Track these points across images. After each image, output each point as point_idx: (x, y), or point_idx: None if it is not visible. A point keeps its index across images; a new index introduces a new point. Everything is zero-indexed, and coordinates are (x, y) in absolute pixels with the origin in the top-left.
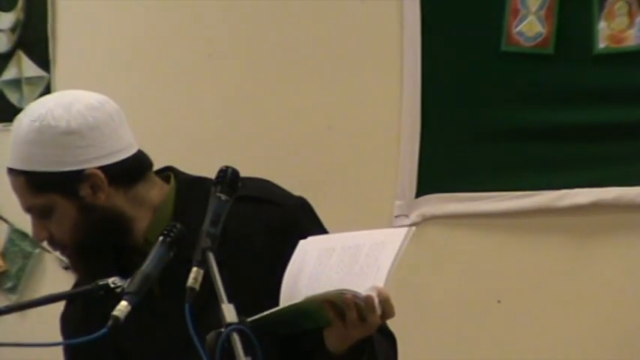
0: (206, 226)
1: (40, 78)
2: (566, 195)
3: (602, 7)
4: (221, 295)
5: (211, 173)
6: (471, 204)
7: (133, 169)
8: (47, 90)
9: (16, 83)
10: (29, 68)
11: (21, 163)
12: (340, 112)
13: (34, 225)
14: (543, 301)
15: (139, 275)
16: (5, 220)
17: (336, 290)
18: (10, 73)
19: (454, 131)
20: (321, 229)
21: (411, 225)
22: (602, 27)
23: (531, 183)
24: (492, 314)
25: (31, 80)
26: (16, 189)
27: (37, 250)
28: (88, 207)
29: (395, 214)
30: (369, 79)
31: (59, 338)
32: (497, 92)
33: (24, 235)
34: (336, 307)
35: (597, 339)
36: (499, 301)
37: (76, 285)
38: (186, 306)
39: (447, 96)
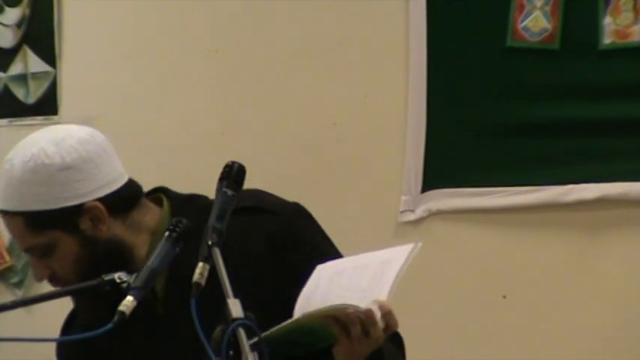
0: (212, 221)
1: (46, 73)
2: (572, 190)
3: (607, 2)
4: (227, 290)
5: (217, 169)
6: (477, 199)
7: (128, 197)
8: (53, 85)
9: (22, 78)
10: (35, 63)
11: (17, 204)
12: (346, 108)
13: (34, 266)
14: (549, 297)
15: (144, 270)
16: None
17: (338, 305)
18: (16, 68)
19: (459, 127)
20: (319, 233)
21: (417, 243)
22: (608, 22)
23: (537, 178)
24: (498, 309)
25: (36, 75)
26: (14, 231)
27: None
28: (89, 240)
29: (401, 209)
30: (375, 75)
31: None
32: (502, 88)
33: None
34: (340, 322)
35: (603, 334)
36: (504, 296)
37: (72, 314)
38: (192, 301)
39: (452, 92)
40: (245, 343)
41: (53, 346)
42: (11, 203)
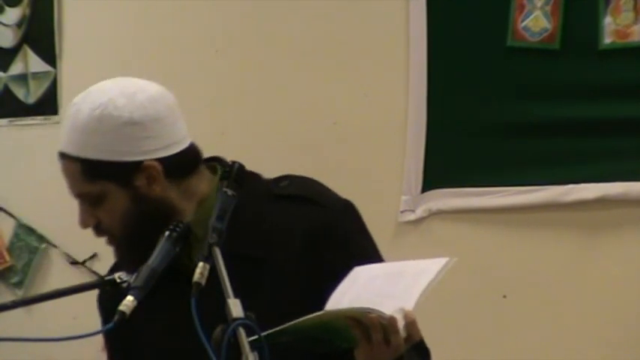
0: (212, 221)
1: (46, 73)
2: (572, 190)
3: (607, 2)
4: (227, 290)
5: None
6: (477, 199)
7: (187, 162)
8: (53, 85)
9: (23, 78)
10: (35, 63)
11: (78, 149)
12: (346, 107)
13: (82, 211)
14: (549, 296)
15: (145, 270)
16: (11, 215)
17: (362, 308)
18: (16, 68)
19: (460, 126)
20: (365, 236)
21: (452, 258)
22: (608, 22)
23: (537, 178)
24: (498, 309)
25: (37, 75)
26: (69, 174)
27: (43, 245)
28: (141, 198)
29: (401, 209)
30: (375, 75)
31: (65, 333)
32: (502, 88)
33: (30, 230)
34: (362, 326)
35: (603, 334)
36: (504, 296)
37: (112, 269)
38: (192, 301)
39: (452, 91)
40: (245, 342)
41: (53, 346)
42: (72, 148)
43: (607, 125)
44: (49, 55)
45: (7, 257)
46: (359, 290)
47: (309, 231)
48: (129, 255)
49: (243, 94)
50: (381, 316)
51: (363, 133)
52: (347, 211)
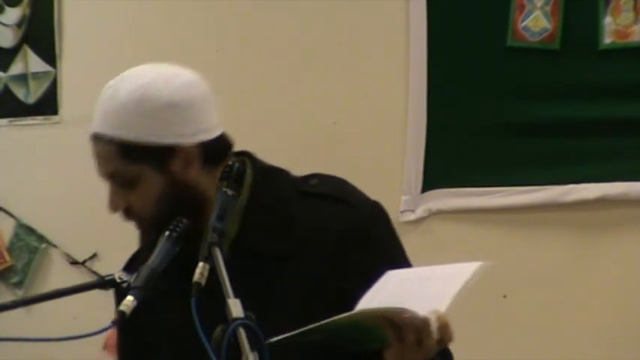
0: (212, 221)
1: (46, 73)
2: (572, 190)
3: (607, 2)
4: (227, 290)
5: None
6: (477, 199)
7: (220, 150)
8: (53, 85)
9: (23, 78)
10: (35, 63)
11: (115, 131)
12: (346, 107)
13: (112, 194)
14: (549, 296)
15: (145, 270)
16: (11, 215)
17: (396, 307)
18: (16, 68)
19: (460, 126)
20: (394, 239)
21: (481, 264)
22: (608, 22)
23: (537, 178)
24: (498, 309)
25: (37, 75)
26: (102, 155)
27: (43, 245)
28: (175, 182)
29: (401, 209)
30: (375, 75)
31: (65, 333)
32: (502, 88)
33: (30, 230)
34: (395, 327)
35: (603, 334)
36: (505, 296)
37: (136, 254)
38: (192, 301)
39: (452, 91)
40: (245, 342)
41: (53, 346)
42: (109, 129)
43: (607, 125)
44: (49, 55)
45: (7, 257)
46: (390, 292)
47: (338, 231)
48: (156, 238)
49: (243, 94)
50: (414, 316)
51: (363, 133)
52: (376, 213)
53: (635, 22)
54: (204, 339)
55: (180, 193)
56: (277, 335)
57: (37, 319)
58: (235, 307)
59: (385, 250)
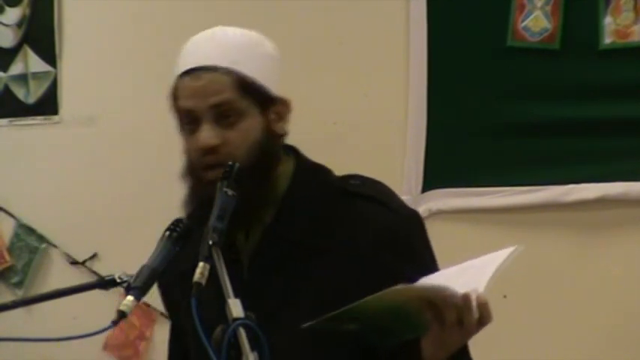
0: (212, 221)
1: (46, 73)
2: (572, 190)
3: (607, 2)
4: (227, 290)
5: None
6: (477, 199)
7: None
8: (53, 85)
9: (23, 78)
10: (35, 63)
11: (232, 64)
12: (346, 107)
13: (207, 129)
14: (549, 297)
15: (145, 270)
16: (11, 215)
17: (435, 285)
18: (16, 68)
19: (460, 126)
20: (427, 248)
21: (515, 248)
22: (608, 22)
23: (537, 178)
24: (498, 309)
25: (37, 75)
26: (212, 86)
27: (43, 245)
28: (270, 131)
29: None
30: (375, 75)
31: (65, 333)
32: (502, 87)
33: (30, 230)
34: (435, 308)
35: (603, 334)
36: (505, 296)
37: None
38: (193, 301)
39: (452, 91)
40: (245, 342)
41: (53, 346)
42: (226, 62)
43: (607, 125)
44: (49, 55)
45: (7, 257)
46: (428, 279)
47: (375, 232)
48: (239, 188)
49: None
50: (454, 294)
51: (363, 133)
52: (415, 221)
53: (635, 22)
54: (204, 339)
55: (270, 146)
56: (305, 333)
57: (37, 319)
58: (235, 307)
59: (418, 258)
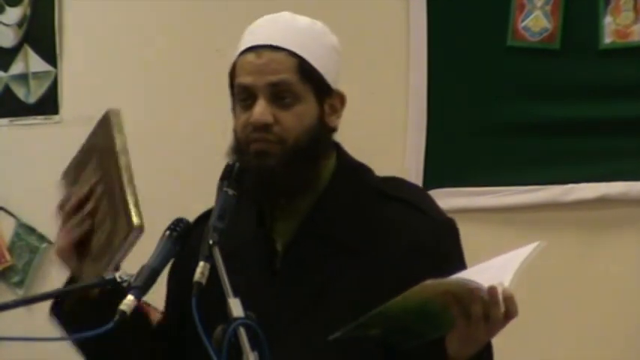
0: (213, 220)
1: (47, 73)
2: (572, 190)
3: (607, 2)
4: (227, 290)
5: (218, 168)
6: (477, 198)
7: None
8: (54, 85)
9: (23, 78)
10: (36, 63)
11: (299, 48)
12: (346, 108)
13: (261, 106)
14: (549, 296)
15: (145, 270)
16: (12, 215)
17: (463, 279)
18: (17, 67)
19: (460, 126)
20: (460, 258)
21: (539, 243)
22: (608, 22)
23: (537, 178)
24: None
25: (37, 75)
26: (274, 64)
27: (44, 245)
28: (323, 122)
29: None
30: (375, 74)
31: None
32: (502, 87)
33: (30, 229)
34: (461, 303)
35: (603, 334)
36: None
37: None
38: (193, 300)
39: (453, 91)
40: (246, 342)
41: (53, 345)
42: (291, 45)
43: (607, 125)
44: (50, 55)
45: (8, 257)
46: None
47: (412, 238)
48: (279, 168)
49: None
50: (479, 287)
51: (362, 132)
52: (452, 230)
53: (635, 21)
54: (204, 338)
55: (321, 136)
56: (330, 325)
57: (37, 319)
58: (236, 307)
59: (451, 268)
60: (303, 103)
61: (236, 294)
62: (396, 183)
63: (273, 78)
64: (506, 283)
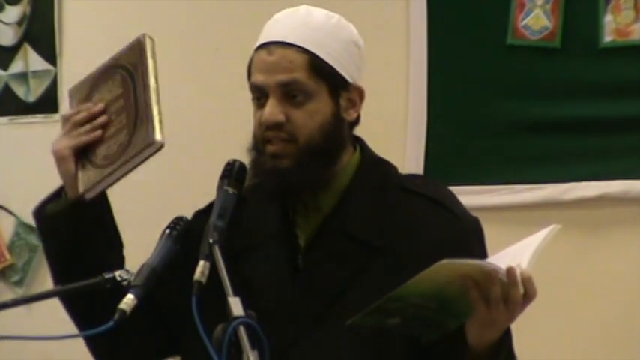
0: (213, 219)
1: (47, 71)
2: (572, 188)
3: (608, 0)
4: (227, 289)
5: (218, 167)
6: (478, 197)
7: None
8: (54, 83)
9: (23, 76)
10: (36, 61)
11: (310, 44)
12: None
13: (272, 105)
14: (549, 295)
15: (145, 268)
16: (12, 214)
17: (477, 261)
18: (16, 66)
19: (460, 125)
20: (484, 257)
21: (553, 227)
22: (608, 21)
23: (538, 176)
24: None
25: (37, 74)
26: (285, 63)
27: None
28: (338, 117)
29: None
30: (376, 73)
31: (65, 332)
32: (503, 86)
33: (30, 228)
34: (480, 287)
35: (603, 332)
36: None
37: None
38: (193, 299)
39: (453, 89)
40: (246, 341)
41: (53, 344)
42: (303, 41)
43: (607, 124)
44: (50, 54)
45: (8, 255)
46: None
47: (438, 237)
48: (294, 168)
49: (244, 92)
50: (497, 269)
51: (362, 131)
52: (477, 229)
53: (635, 20)
54: (205, 337)
55: (336, 132)
56: (355, 329)
57: (37, 318)
58: (236, 306)
59: None
60: (316, 100)
61: (258, 289)
62: (420, 179)
63: (284, 77)
64: (524, 265)
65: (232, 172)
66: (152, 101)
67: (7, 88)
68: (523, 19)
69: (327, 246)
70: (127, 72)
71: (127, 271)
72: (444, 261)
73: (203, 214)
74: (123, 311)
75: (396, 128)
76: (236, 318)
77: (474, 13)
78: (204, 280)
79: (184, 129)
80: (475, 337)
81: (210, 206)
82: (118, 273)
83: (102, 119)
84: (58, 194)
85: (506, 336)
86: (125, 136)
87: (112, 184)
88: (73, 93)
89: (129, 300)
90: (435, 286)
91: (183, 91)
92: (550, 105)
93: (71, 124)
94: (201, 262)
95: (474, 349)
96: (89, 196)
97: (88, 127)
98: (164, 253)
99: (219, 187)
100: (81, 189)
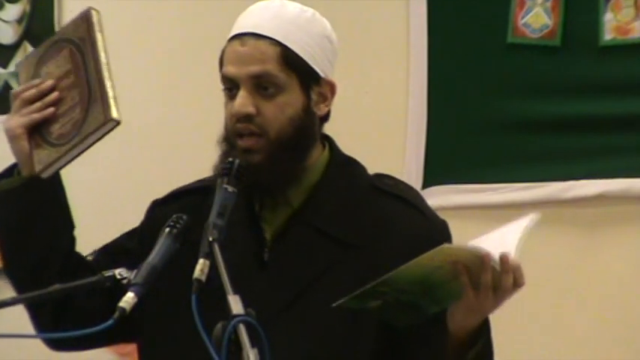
0: (212, 217)
1: None
2: (572, 186)
3: None
4: (227, 287)
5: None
6: (478, 195)
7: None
8: None
9: None
10: None
11: (283, 37)
12: (347, 104)
13: (243, 97)
14: (550, 293)
15: (145, 267)
16: None
17: (473, 246)
18: (16, 64)
19: (460, 123)
20: None
21: (533, 215)
22: (609, 18)
23: (538, 174)
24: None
25: None
26: (257, 54)
27: None
28: (309, 111)
29: None
30: (376, 71)
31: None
32: (503, 84)
33: None
34: (470, 272)
35: (604, 331)
36: None
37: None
38: (193, 297)
39: (453, 88)
40: (246, 339)
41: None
42: (276, 33)
43: (607, 122)
44: None
45: None
46: None
47: (412, 235)
48: (266, 163)
49: None
50: (490, 256)
51: (363, 129)
52: (446, 231)
53: (635, 18)
54: (204, 336)
55: (307, 125)
56: (322, 321)
57: None
58: (235, 304)
59: None
60: (287, 93)
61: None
62: (391, 180)
63: (255, 69)
64: (512, 253)
65: (232, 171)
66: (104, 77)
67: (7, 86)
68: (523, 17)
69: (296, 240)
70: (76, 46)
71: (127, 269)
72: (445, 245)
73: (162, 204)
74: (123, 309)
75: (396, 127)
76: (235, 316)
77: (474, 11)
78: (204, 278)
79: (184, 129)
80: (458, 322)
81: (169, 197)
82: (117, 271)
83: (53, 96)
84: (10, 171)
85: (486, 323)
86: (79, 114)
87: (68, 162)
88: (20, 69)
89: (129, 298)
90: (425, 271)
91: (184, 91)
92: (550, 103)
93: (21, 101)
94: (201, 261)
95: (455, 334)
96: (46, 175)
97: (39, 104)
98: (164, 251)
99: (219, 185)
100: (37, 168)
